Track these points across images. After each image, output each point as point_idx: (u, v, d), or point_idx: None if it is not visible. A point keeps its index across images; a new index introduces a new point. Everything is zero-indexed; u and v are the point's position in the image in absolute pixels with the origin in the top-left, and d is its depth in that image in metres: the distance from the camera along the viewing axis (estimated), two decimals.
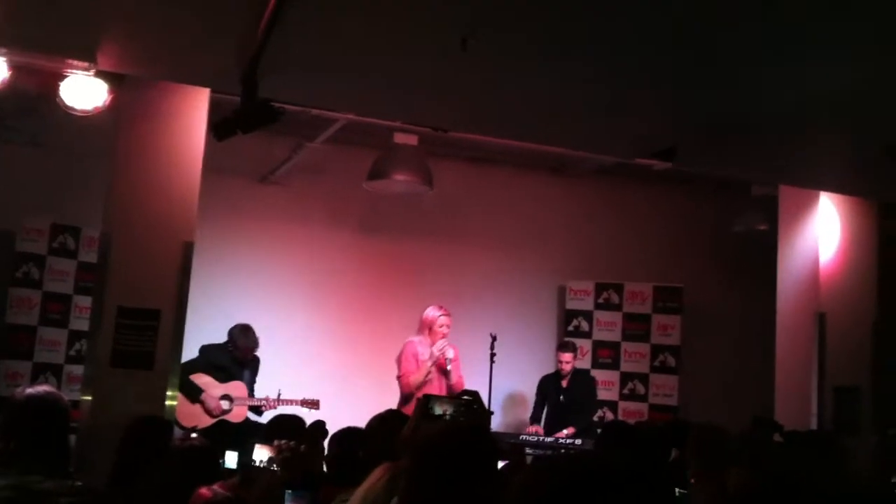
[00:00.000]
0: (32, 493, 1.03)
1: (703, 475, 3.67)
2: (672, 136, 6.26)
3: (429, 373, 7.44)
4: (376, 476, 2.94)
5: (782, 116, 5.72)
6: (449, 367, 7.44)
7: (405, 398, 7.40)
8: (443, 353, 7.46)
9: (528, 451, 7.22)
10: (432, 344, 7.52)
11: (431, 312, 7.62)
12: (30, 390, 3.67)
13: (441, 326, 7.54)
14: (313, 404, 7.50)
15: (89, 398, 5.78)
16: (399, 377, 7.51)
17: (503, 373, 8.04)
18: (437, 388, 7.41)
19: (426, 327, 7.61)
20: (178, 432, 5.78)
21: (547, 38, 4.97)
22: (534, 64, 5.23)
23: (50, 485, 1.06)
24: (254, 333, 7.55)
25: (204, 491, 3.00)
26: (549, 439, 7.71)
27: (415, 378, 7.41)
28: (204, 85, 6.02)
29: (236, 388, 7.45)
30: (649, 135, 6.22)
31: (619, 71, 5.27)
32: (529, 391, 8.81)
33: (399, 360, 7.56)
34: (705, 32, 4.77)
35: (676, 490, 3.75)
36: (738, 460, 3.67)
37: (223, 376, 7.42)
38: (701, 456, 3.82)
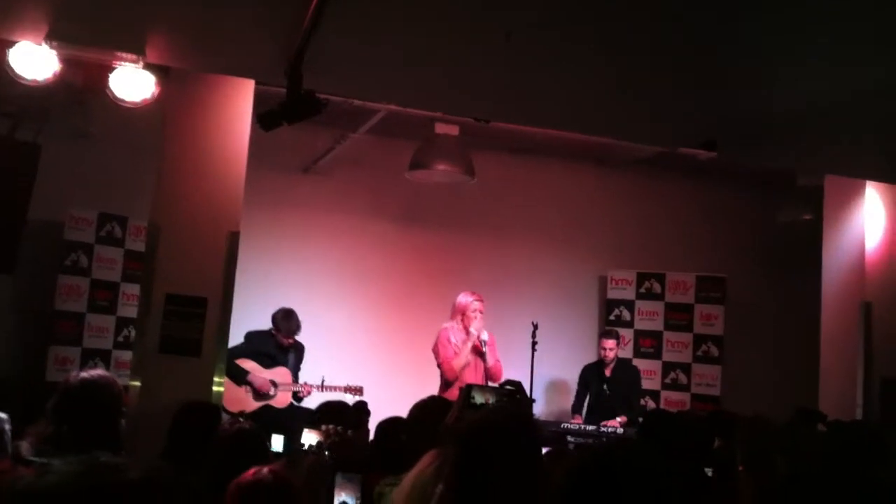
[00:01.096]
0: (103, 467, 1.07)
1: (751, 465, 3.67)
2: (716, 126, 6.23)
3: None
4: (425, 462, 2.96)
5: (828, 106, 5.67)
6: (484, 349, 7.47)
7: (446, 384, 7.43)
8: (479, 334, 7.48)
9: (569, 439, 7.24)
10: (465, 329, 7.55)
11: (464, 298, 7.64)
12: (84, 374, 3.75)
13: (474, 311, 7.55)
14: (357, 391, 7.57)
15: (138, 384, 5.89)
16: (440, 364, 7.53)
17: (544, 362, 8.06)
18: (473, 372, 7.43)
19: (459, 313, 7.62)
20: (225, 417, 5.87)
21: (590, 29, 4.98)
22: (576, 54, 5.24)
23: (119, 461, 1.09)
24: (296, 317, 7.64)
25: (251, 473, 3.06)
26: (590, 428, 7.71)
27: (457, 362, 7.44)
28: (249, 77, 6.08)
29: (281, 374, 7.56)
30: (693, 124, 6.19)
31: (663, 61, 5.26)
32: (570, 380, 8.82)
33: (436, 349, 7.59)
34: (749, 23, 4.75)
35: (720, 479, 3.77)
36: (783, 450, 3.66)
37: (268, 362, 7.52)
38: (750, 445, 3.82)
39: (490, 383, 7.26)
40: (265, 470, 3.08)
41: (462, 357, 7.44)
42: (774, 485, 2.61)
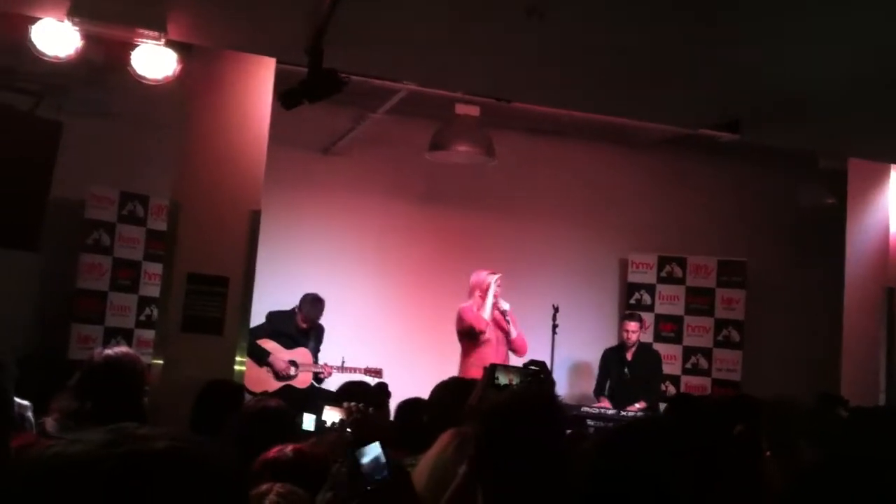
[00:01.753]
0: (131, 437, 1.06)
1: (777, 450, 3.64)
2: (739, 107, 6.17)
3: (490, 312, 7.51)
4: (444, 442, 2.95)
5: (852, 88, 5.60)
6: (507, 319, 7.49)
7: (467, 355, 7.43)
8: (497, 301, 7.48)
9: (589, 422, 7.23)
10: (482, 303, 7.57)
11: (478, 275, 7.67)
12: (108, 351, 3.77)
13: (490, 285, 7.57)
14: (376, 372, 7.60)
15: (160, 362, 5.92)
16: (469, 324, 7.49)
17: (564, 344, 8.04)
18: (495, 349, 7.43)
19: (476, 289, 7.64)
20: (247, 397, 5.89)
21: (612, 7, 4.93)
22: (599, 33, 5.19)
23: (146, 430, 1.09)
24: (323, 305, 7.68)
25: (275, 450, 3.06)
26: (610, 412, 7.70)
27: (484, 313, 7.45)
28: (270, 55, 6.07)
29: (301, 354, 7.59)
30: (715, 105, 6.13)
31: (685, 40, 5.20)
32: (590, 363, 8.80)
33: (460, 320, 7.59)
34: (773, 2, 4.69)
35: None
36: (808, 436, 3.63)
37: (289, 343, 7.55)
38: (776, 430, 3.79)
39: (515, 356, 7.29)
40: (288, 448, 3.08)
41: (486, 307, 7.46)
42: (800, 470, 2.58)
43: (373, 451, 2.39)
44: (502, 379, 3.01)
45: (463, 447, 2.81)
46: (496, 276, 7.61)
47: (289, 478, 2.80)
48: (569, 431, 4.48)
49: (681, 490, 1.37)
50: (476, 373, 5.54)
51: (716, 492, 1.40)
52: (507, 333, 7.58)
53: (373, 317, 8.70)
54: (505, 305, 7.57)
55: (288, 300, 7.74)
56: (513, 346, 7.56)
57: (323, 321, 7.90)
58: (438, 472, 2.79)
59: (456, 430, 3.00)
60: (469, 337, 7.54)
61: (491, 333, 7.54)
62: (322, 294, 7.77)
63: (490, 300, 7.53)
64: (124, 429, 1.13)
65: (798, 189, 9.13)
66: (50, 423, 3.57)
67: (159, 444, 1.08)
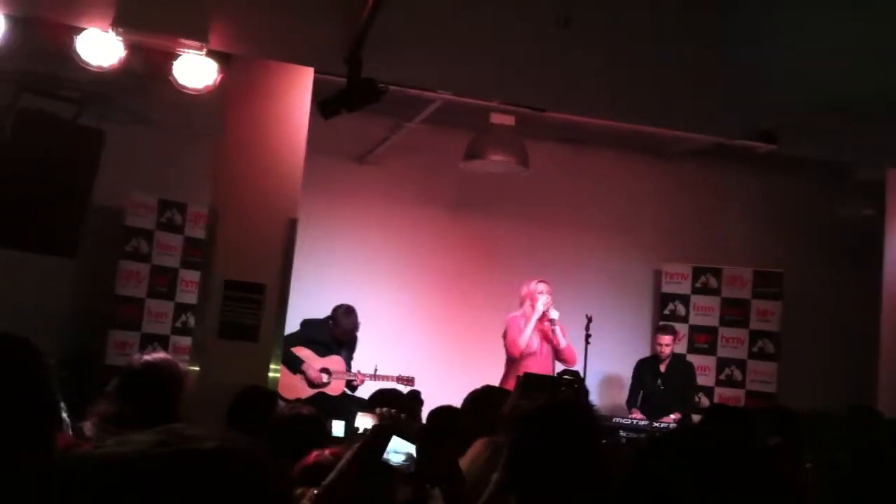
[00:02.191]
0: (181, 437, 1.09)
1: (818, 460, 3.62)
2: (776, 118, 6.14)
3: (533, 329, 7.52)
4: (476, 450, 2.97)
5: (891, 97, 5.55)
6: (555, 328, 7.48)
7: (510, 368, 7.44)
8: (547, 310, 7.50)
9: (621, 433, 7.20)
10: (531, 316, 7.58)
11: (531, 285, 7.69)
12: (147, 357, 3.83)
13: (540, 293, 7.60)
14: (408, 381, 7.61)
15: (196, 368, 5.98)
16: (505, 346, 7.53)
17: (597, 355, 8.01)
18: (540, 360, 7.44)
19: (526, 299, 7.67)
20: (281, 404, 5.93)
21: (648, 18, 4.93)
22: (634, 43, 5.19)
23: (194, 431, 1.12)
24: (356, 316, 7.72)
25: (314, 454, 3.10)
26: (643, 423, 7.66)
27: (521, 338, 7.48)
28: (309, 65, 6.12)
29: (334, 362, 7.63)
30: (753, 115, 6.11)
31: (722, 49, 5.19)
32: (623, 374, 8.76)
33: (505, 333, 7.62)
34: (812, 14, 4.67)
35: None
36: (846, 446, 3.61)
37: (322, 350, 7.59)
38: (815, 442, 3.76)
39: (565, 367, 7.29)
40: (326, 452, 3.11)
41: (526, 333, 7.47)
42: (841, 481, 2.57)
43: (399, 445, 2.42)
44: (535, 389, 3.01)
45: (496, 455, 2.82)
46: (545, 295, 7.58)
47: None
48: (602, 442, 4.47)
49: (720, 500, 1.38)
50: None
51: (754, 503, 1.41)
52: (554, 346, 7.58)
53: (406, 325, 8.73)
54: (554, 314, 7.57)
55: (322, 308, 7.78)
56: (562, 357, 7.57)
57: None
58: (472, 480, 2.81)
59: (489, 438, 3.01)
60: (510, 356, 7.57)
61: (537, 346, 7.55)
62: (356, 302, 7.79)
63: (532, 323, 7.52)
64: (173, 429, 1.15)
65: (836, 200, 9.05)
66: (88, 427, 3.62)
67: (209, 444, 1.10)
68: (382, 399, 4.97)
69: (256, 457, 1.16)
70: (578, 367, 7.52)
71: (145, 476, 1.05)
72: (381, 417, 3.56)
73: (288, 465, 3.08)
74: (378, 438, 2.50)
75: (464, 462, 2.99)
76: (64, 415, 3.74)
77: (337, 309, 7.70)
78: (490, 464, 2.83)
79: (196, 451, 1.08)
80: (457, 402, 4.66)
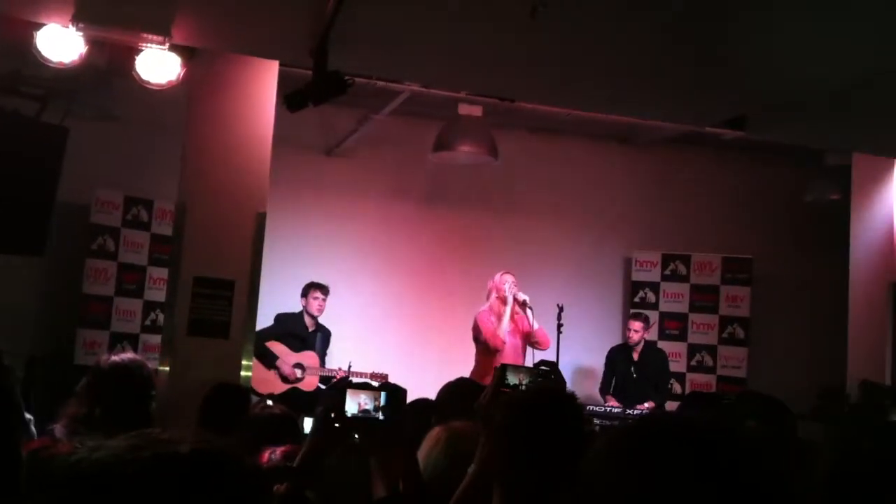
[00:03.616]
0: (155, 441, 1.07)
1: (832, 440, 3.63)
2: (744, 104, 6.17)
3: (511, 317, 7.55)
4: (432, 441, 2.91)
5: (856, 83, 5.59)
6: (529, 309, 7.49)
7: (482, 360, 7.45)
8: (515, 295, 7.51)
9: (595, 421, 7.22)
10: (501, 307, 7.59)
11: (496, 277, 7.72)
12: (115, 357, 3.78)
13: (506, 283, 7.62)
14: (382, 378, 7.59)
15: (167, 368, 5.92)
16: (486, 339, 7.52)
17: (569, 343, 8.04)
18: (511, 355, 7.45)
19: (492, 291, 7.69)
20: (254, 399, 5.90)
21: (615, 6, 4.92)
22: (602, 31, 5.18)
23: (168, 434, 1.10)
24: (325, 287, 7.73)
25: (266, 453, 3.07)
26: (616, 410, 7.70)
27: (501, 329, 7.50)
28: (274, 58, 6.08)
29: (309, 357, 7.60)
30: (721, 102, 6.13)
31: (688, 38, 5.20)
32: (595, 363, 8.80)
33: (476, 330, 7.61)
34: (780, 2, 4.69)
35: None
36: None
37: (297, 345, 7.57)
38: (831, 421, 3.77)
39: (538, 349, 7.32)
40: (278, 451, 3.08)
41: (505, 323, 7.49)
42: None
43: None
44: (512, 379, 3.00)
45: (452, 446, 2.79)
46: (510, 283, 7.60)
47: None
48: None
49: (708, 483, 1.37)
50: (490, 380, 5.52)
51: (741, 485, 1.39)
52: (526, 334, 7.59)
53: (379, 318, 8.71)
54: (523, 296, 7.59)
55: (295, 302, 7.75)
56: (534, 339, 7.58)
57: (329, 322, 7.91)
58: (428, 470, 2.77)
59: (444, 426, 2.98)
60: (485, 349, 7.56)
61: (507, 338, 7.56)
62: (328, 296, 7.81)
63: (507, 316, 7.53)
64: (146, 434, 1.14)
65: (803, 185, 9.13)
66: (59, 429, 3.58)
67: (183, 448, 1.09)
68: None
69: (232, 458, 1.15)
70: (551, 356, 7.54)
71: (122, 481, 1.04)
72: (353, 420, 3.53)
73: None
74: (335, 398, 2.48)
75: (421, 453, 2.95)
76: (32, 428, 3.71)
77: (304, 288, 7.73)
78: (446, 456, 2.80)
79: (171, 455, 1.07)
80: (430, 392, 4.66)
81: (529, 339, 7.62)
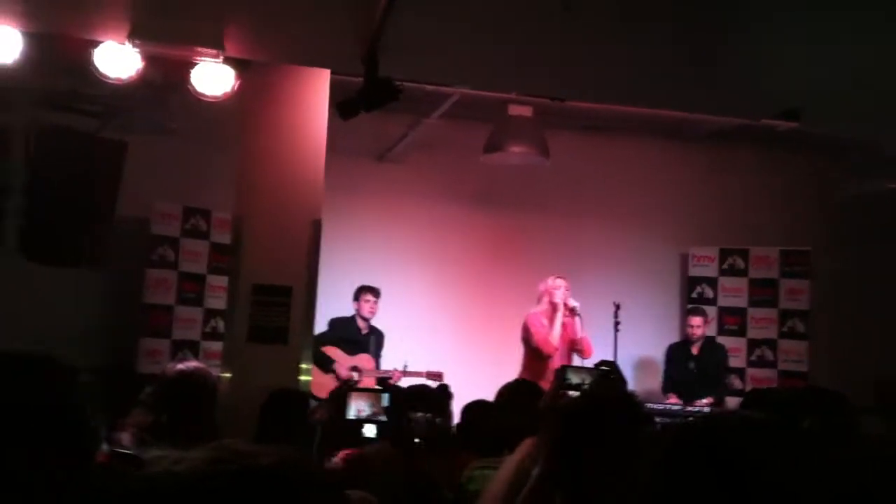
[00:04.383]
0: (235, 452, 1.09)
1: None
2: (798, 96, 6.08)
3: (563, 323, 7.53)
4: (525, 449, 2.93)
5: None
6: (578, 315, 7.46)
7: (541, 366, 7.42)
8: (566, 301, 7.49)
9: (656, 419, 7.17)
10: (552, 312, 7.57)
11: (548, 281, 7.69)
12: (180, 366, 3.85)
13: (558, 288, 7.59)
14: (437, 376, 7.62)
15: (228, 373, 6.01)
16: (537, 343, 7.50)
17: (627, 342, 7.99)
18: (561, 354, 7.43)
19: (544, 296, 7.66)
20: (312, 403, 5.96)
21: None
22: (649, 25, 5.16)
23: (249, 447, 1.12)
24: (372, 288, 7.78)
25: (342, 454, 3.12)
26: (676, 407, 7.63)
27: (553, 335, 7.48)
28: (325, 66, 6.14)
29: (364, 360, 7.66)
30: (775, 95, 6.05)
31: (742, 29, 5.15)
32: (654, 359, 8.73)
33: (527, 333, 7.59)
34: None
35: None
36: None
37: (351, 349, 7.63)
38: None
39: (580, 358, 7.27)
40: (338, 456, 3.12)
41: (556, 329, 7.48)
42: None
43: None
44: (573, 380, 3.01)
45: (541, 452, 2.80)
46: (562, 289, 7.58)
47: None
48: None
49: (765, 484, 1.37)
50: (544, 383, 5.50)
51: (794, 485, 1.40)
52: (572, 340, 7.57)
53: (433, 321, 8.73)
54: (573, 302, 7.56)
55: (349, 306, 7.81)
56: (579, 347, 7.54)
57: (384, 325, 7.96)
58: (521, 479, 2.79)
59: (535, 438, 2.99)
60: (534, 352, 7.55)
61: (555, 341, 7.53)
62: (382, 299, 7.87)
63: (559, 322, 7.51)
64: (227, 445, 1.15)
65: (860, 176, 8.95)
66: (126, 437, 3.64)
67: (266, 461, 1.10)
68: (413, 395, 4.97)
69: (313, 470, 1.17)
70: (609, 355, 7.50)
71: (205, 496, 1.05)
72: (417, 423, 3.58)
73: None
74: (336, 403, 2.52)
75: (511, 460, 2.96)
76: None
77: (356, 292, 7.78)
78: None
79: (255, 468, 1.08)
80: (484, 394, 4.67)
81: (574, 346, 7.59)
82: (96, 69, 5.33)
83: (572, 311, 7.57)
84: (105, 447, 3.67)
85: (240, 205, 6.21)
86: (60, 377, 1.89)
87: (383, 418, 2.41)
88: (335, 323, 7.74)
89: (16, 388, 1.64)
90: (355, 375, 7.55)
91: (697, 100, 6.66)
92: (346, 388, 2.49)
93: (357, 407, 2.36)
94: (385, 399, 2.41)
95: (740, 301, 9.20)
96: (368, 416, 2.41)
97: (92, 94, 6.50)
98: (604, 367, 3.38)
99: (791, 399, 4.07)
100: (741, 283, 9.21)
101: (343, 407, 2.37)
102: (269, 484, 1.07)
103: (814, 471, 1.47)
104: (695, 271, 9.36)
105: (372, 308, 7.82)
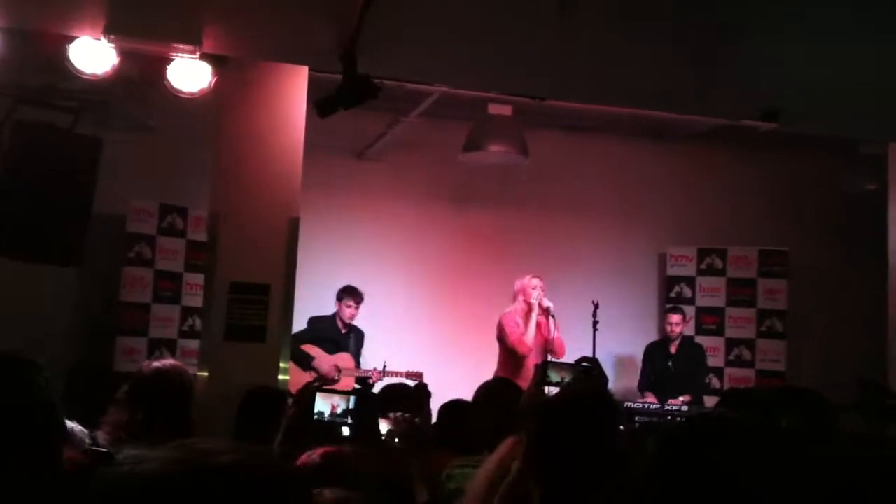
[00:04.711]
0: (196, 452, 1.08)
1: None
2: (777, 97, 6.11)
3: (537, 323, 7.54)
4: (506, 449, 2.93)
5: (891, 71, 5.53)
6: (553, 315, 7.46)
7: (516, 364, 7.43)
8: (541, 302, 7.50)
9: (636, 418, 7.18)
10: (527, 312, 7.59)
11: (524, 280, 7.71)
12: (156, 364, 3.84)
13: (534, 288, 7.61)
14: (417, 376, 7.62)
15: (205, 373, 5.97)
16: (512, 344, 7.52)
17: (605, 340, 8.00)
18: (533, 357, 7.44)
19: (519, 294, 7.68)
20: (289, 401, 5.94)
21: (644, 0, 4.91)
22: (633, 27, 5.17)
23: (209, 445, 1.11)
24: (358, 290, 7.76)
25: (304, 457, 3.09)
26: (654, 406, 7.65)
27: (527, 336, 7.50)
28: (303, 63, 6.10)
29: (343, 359, 7.64)
30: (755, 95, 6.07)
31: (720, 29, 5.17)
32: (633, 358, 8.75)
33: (501, 333, 7.61)
34: None
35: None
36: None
37: (331, 347, 7.61)
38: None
39: (552, 358, 7.27)
40: (316, 453, 3.10)
41: (531, 330, 7.49)
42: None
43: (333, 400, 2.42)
44: (554, 377, 3.00)
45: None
46: (537, 290, 7.58)
47: (323, 482, 2.80)
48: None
49: (752, 485, 1.37)
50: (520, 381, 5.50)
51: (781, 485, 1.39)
52: (545, 340, 7.58)
53: (412, 319, 8.72)
54: (548, 303, 7.58)
55: (329, 305, 7.78)
56: (552, 347, 7.55)
57: (363, 324, 7.94)
58: (502, 478, 2.78)
59: (516, 438, 2.98)
60: (509, 351, 7.56)
61: (530, 341, 7.55)
62: (362, 303, 7.85)
63: (534, 322, 7.53)
64: (187, 445, 1.15)
65: (839, 175, 9.02)
66: (102, 435, 3.62)
67: (224, 459, 1.10)
68: (391, 397, 4.96)
69: (273, 468, 1.16)
70: (587, 353, 7.50)
71: (168, 497, 1.05)
72: (395, 422, 3.57)
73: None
74: (303, 403, 2.51)
75: (492, 459, 2.95)
76: (72, 425, 3.74)
77: (340, 291, 7.75)
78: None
79: (213, 467, 1.08)
80: (463, 393, 4.66)
81: (547, 346, 7.60)
82: (72, 65, 5.28)
83: (546, 312, 7.60)
84: (87, 444, 3.66)
85: (217, 202, 6.17)
86: (28, 375, 1.86)
87: (348, 421, 2.41)
88: (315, 321, 7.71)
89: None
90: (336, 374, 7.53)
91: (678, 100, 6.68)
92: (315, 388, 2.49)
93: (321, 408, 2.36)
94: (352, 402, 2.40)
95: (718, 301, 9.25)
96: (332, 418, 2.41)
97: (67, 89, 6.43)
98: (585, 364, 3.38)
99: (769, 398, 4.08)
100: (719, 282, 9.27)
101: (310, 405, 2.37)
102: (228, 482, 1.06)
103: (800, 470, 1.47)
104: (673, 271, 9.40)
105: (352, 314, 7.81)
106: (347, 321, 7.80)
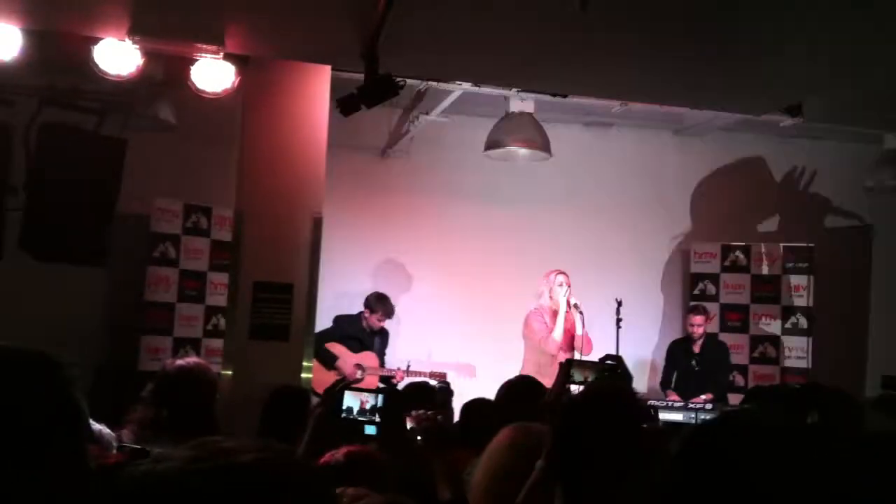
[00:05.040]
0: (215, 450, 1.09)
1: None
2: (802, 90, 6.07)
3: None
4: (502, 437, 2.93)
5: None
6: (581, 311, 7.44)
7: (543, 361, 7.41)
8: (568, 298, 7.48)
9: (659, 417, 7.15)
10: (553, 309, 7.55)
11: (549, 276, 7.67)
12: (180, 361, 3.86)
13: (560, 285, 7.57)
14: (440, 376, 7.61)
15: (229, 371, 6.00)
16: (539, 342, 7.49)
17: (629, 338, 7.97)
18: (564, 349, 7.41)
19: (544, 290, 7.65)
20: (314, 400, 5.96)
21: None
22: (654, 22, 5.13)
23: (230, 444, 1.11)
24: (390, 301, 7.76)
25: (328, 456, 3.09)
26: (678, 404, 7.61)
27: (556, 332, 7.46)
28: (326, 63, 6.13)
29: (368, 358, 7.65)
30: (779, 90, 6.04)
31: (743, 26, 5.13)
32: (656, 356, 8.71)
33: (528, 331, 7.57)
34: None
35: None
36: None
37: (356, 346, 7.62)
38: None
39: (579, 355, 7.25)
40: (339, 452, 3.10)
41: (559, 328, 7.46)
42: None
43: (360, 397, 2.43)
44: (578, 375, 3.00)
45: (522, 445, 2.80)
46: (564, 286, 7.54)
47: (346, 481, 2.81)
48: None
49: (776, 485, 1.36)
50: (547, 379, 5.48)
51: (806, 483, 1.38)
52: (572, 337, 7.55)
53: (436, 317, 8.72)
54: (574, 300, 7.54)
55: (353, 304, 7.80)
56: (579, 344, 7.52)
57: (387, 323, 7.95)
58: (493, 466, 2.78)
59: (514, 426, 2.98)
60: (535, 348, 7.53)
61: (559, 339, 7.52)
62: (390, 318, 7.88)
63: (562, 319, 7.48)
64: (209, 443, 1.14)
65: (863, 170, 8.94)
66: (126, 433, 3.66)
67: (245, 458, 1.10)
68: (414, 395, 4.96)
69: (295, 466, 1.15)
70: (611, 351, 7.48)
71: (187, 496, 1.05)
72: (418, 420, 3.57)
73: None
74: (329, 402, 2.51)
75: (489, 449, 2.96)
76: (98, 426, 3.78)
77: (369, 297, 7.74)
78: (515, 452, 2.81)
79: (233, 466, 1.08)
80: (485, 391, 4.66)
81: (574, 343, 7.56)
82: (96, 66, 5.33)
83: (575, 307, 7.55)
84: (114, 447, 3.69)
85: (241, 201, 6.20)
86: (54, 372, 1.87)
87: (376, 419, 2.41)
88: (340, 320, 7.74)
89: (8, 383, 1.63)
90: (359, 373, 7.54)
91: (701, 95, 6.65)
92: (342, 386, 2.51)
93: (350, 404, 2.37)
94: (380, 399, 2.41)
95: (743, 297, 9.18)
96: (360, 415, 2.42)
97: (92, 91, 6.49)
98: (610, 362, 3.37)
99: (794, 396, 4.06)
100: (744, 279, 9.19)
101: (337, 404, 2.38)
102: (248, 481, 1.06)
103: (825, 469, 1.46)
104: (697, 267, 9.34)
105: (380, 326, 7.81)
106: (374, 326, 7.81)
